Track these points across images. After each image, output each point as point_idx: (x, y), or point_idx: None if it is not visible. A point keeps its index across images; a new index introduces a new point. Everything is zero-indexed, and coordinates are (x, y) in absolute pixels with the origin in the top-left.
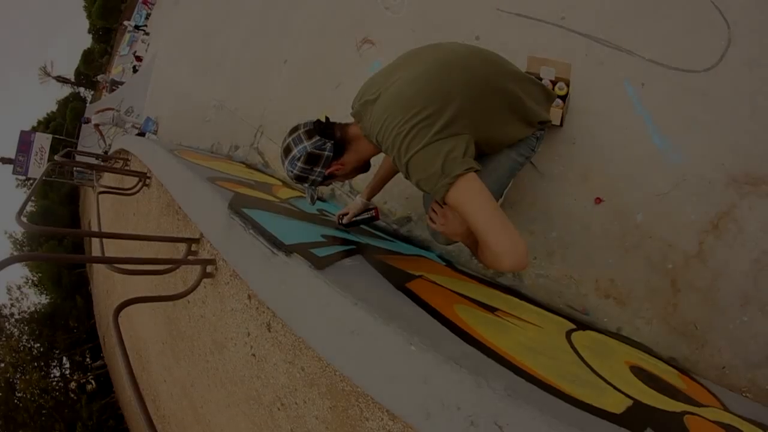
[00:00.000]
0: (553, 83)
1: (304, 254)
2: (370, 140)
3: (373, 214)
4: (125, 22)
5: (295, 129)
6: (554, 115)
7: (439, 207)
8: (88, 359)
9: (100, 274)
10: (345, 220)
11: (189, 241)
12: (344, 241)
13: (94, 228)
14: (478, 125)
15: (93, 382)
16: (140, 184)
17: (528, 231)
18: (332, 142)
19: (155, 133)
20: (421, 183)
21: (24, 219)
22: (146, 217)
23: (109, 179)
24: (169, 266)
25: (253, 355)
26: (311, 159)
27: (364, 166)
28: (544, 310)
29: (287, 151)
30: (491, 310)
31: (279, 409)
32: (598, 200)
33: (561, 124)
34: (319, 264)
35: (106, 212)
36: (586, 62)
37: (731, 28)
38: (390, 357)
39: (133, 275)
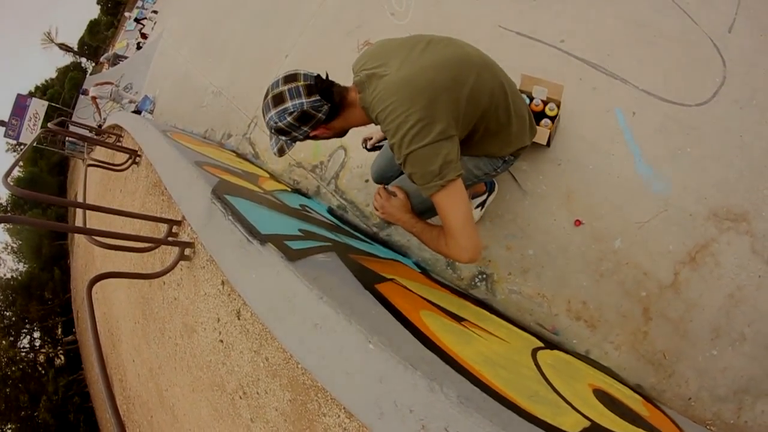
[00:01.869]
0: (545, 103)
1: (278, 245)
2: (366, 113)
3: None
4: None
5: (293, 78)
6: (542, 134)
7: (384, 193)
8: (59, 333)
9: (80, 248)
10: (369, 145)
11: (171, 222)
12: (321, 238)
13: (80, 200)
14: (466, 130)
15: (62, 356)
16: (130, 161)
17: (505, 246)
18: (330, 105)
19: (151, 112)
20: (415, 176)
21: (10, 183)
22: (132, 195)
23: (100, 153)
24: (149, 245)
25: (221, 341)
26: (303, 117)
27: (343, 132)
28: (513, 326)
29: (279, 100)
30: (458, 319)
31: (241, 398)
32: (578, 223)
33: (548, 144)
34: (291, 256)
35: (94, 185)
36: (579, 86)
37: (727, 66)
38: (349, 353)
39: (112, 250)
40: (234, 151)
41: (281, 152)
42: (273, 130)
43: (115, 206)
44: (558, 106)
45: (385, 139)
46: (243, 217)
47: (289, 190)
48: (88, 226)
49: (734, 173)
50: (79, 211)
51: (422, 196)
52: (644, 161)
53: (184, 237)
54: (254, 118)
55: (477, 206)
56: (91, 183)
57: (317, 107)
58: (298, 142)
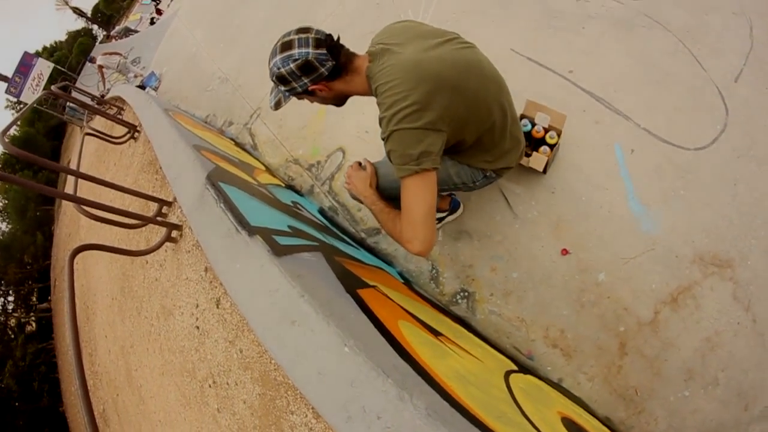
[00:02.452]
0: (546, 131)
1: (265, 238)
2: (368, 82)
3: None
4: None
5: (306, 30)
6: (539, 161)
7: (356, 164)
8: (34, 299)
9: (66, 216)
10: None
11: (162, 202)
12: (309, 237)
13: (73, 167)
14: (456, 133)
15: (34, 323)
16: (128, 136)
17: (490, 267)
18: (334, 63)
19: (156, 89)
20: (392, 154)
21: (6, 140)
22: (126, 169)
23: (99, 123)
24: (137, 222)
25: (197, 327)
26: (306, 67)
27: (342, 101)
28: (489, 347)
29: (287, 46)
30: (435, 333)
31: (210, 386)
32: (565, 252)
33: (544, 172)
34: (278, 251)
35: (89, 155)
36: (582, 118)
37: (729, 115)
38: (324, 354)
39: (99, 222)
40: (233, 140)
41: (278, 105)
42: (275, 78)
43: (107, 178)
44: (558, 135)
45: None
46: (234, 206)
47: (283, 185)
48: (78, 195)
49: (724, 220)
50: (70, 179)
51: (393, 183)
52: (637, 199)
53: (173, 219)
54: (257, 110)
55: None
56: (86, 152)
57: (322, 60)
58: (296, 99)
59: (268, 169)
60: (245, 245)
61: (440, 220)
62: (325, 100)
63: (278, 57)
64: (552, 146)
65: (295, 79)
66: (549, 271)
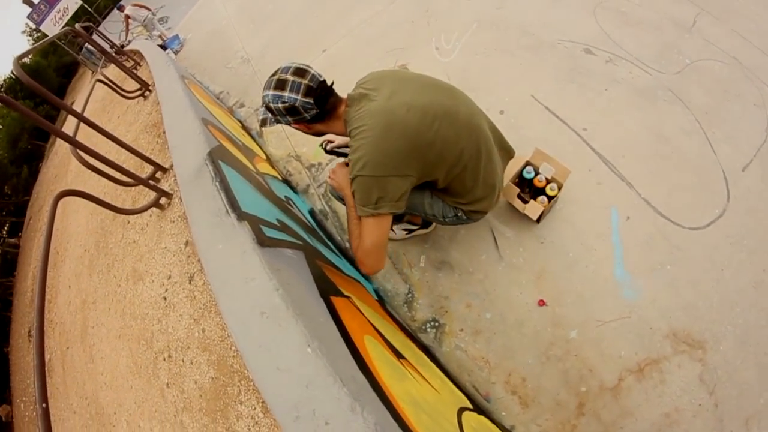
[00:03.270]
0: (548, 181)
1: (253, 226)
2: (345, 125)
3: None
4: None
5: (302, 74)
6: (534, 210)
7: (342, 165)
8: (4, 232)
9: (57, 157)
10: (329, 147)
11: (158, 167)
12: (295, 234)
13: (78, 110)
14: (426, 175)
15: None
16: (139, 93)
17: (466, 303)
18: (318, 112)
19: (176, 53)
20: (355, 195)
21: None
22: (129, 126)
23: (112, 73)
24: (129, 180)
25: (165, 298)
26: (292, 110)
27: (321, 135)
28: (448, 380)
29: (281, 86)
30: (398, 356)
31: (164, 360)
32: (542, 302)
33: (538, 221)
34: (262, 241)
35: (95, 102)
36: (586, 176)
37: (730, 201)
38: (286, 350)
39: (90, 170)
40: (241, 122)
41: (263, 124)
42: (264, 106)
43: (108, 130)
44: (559, 188)
45: (345, 146)
46: (229, 187)
47: (280, 178)
48: (76, 138)
49: (705, 302)
50: (70, 120)
51: None
52: (623, 266)
53: (164, 186)
54: None
55: (405, 229)
56: (93, 98)
57: (307, 108)
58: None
59: (269, 159)
60: (232, 228)
61: (410, 231)
62: (305, 133)
63: (271, 92)
64: (551, 198)
65: (281, 115)
66: (522, 319)
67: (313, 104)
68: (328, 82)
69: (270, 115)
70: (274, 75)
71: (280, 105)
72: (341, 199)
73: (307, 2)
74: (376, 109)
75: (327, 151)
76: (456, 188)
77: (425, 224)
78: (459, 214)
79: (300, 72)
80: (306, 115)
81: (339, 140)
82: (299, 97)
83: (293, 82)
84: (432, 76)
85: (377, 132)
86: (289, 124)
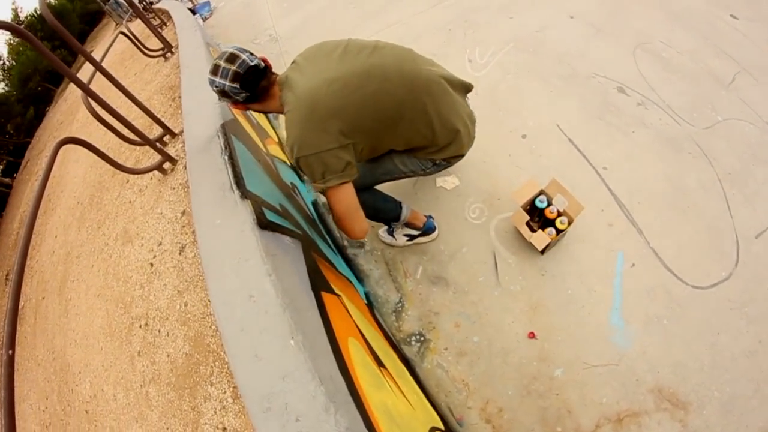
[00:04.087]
0: (559, 214)
1: (255, 206)
2: (283, 109)
3: None
4: None
5: (233, 60)
6: (541, 240)
7: None
8: None
9: (65, 103)
10: None
11: (167, 130)
12: (295, 223)
13: (96, 59)
14: (373, 137)
15: None
16: (161, 53)
17: (455, 323)
18: (247, 95)
19: (205, 20)
20: (305, 176)
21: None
22: (144, 84)
23: (136, 28)
24: (135, 138)
25: (152, 264)
26: (223, 94)
27: (266, 113)
28: (424, 397)
29: (214, 71)
30: (379, 364)
31: (140, 327)
32: (532, 335)
33: (542, 252)
34: (262, 223)
35: (113, 54)
36: (598, 215)
37: (738, 266)
38: (268, 338)
39: (99, 121)
40: None
41: (220, 99)
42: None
43: (123, 84)
44: (569, 223)
45: None
46: (237, 163)
47: (288, 164)
48: (90, 86)
49: (695, 364)
50: (85, 70)
51: (368, 171)
52: (620, 312)
53: (170, 151)
54: None
55: (406, 235)
56: (114, 49)
57: (235, 92)
58: None
59: (281, 143)
60: (233, 205)
61: (412, 237)
62: (253, 111)
63: (208, 75)
64: (559, 231)
65: (220, 96)
66: (510, 348)
67: (239, 89)
68: (263, 65)
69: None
70: (214, 59)
71: (214, 88)
72: None
73: None
74: (300, 93)
75: None
76: (417, 142)
77: (426, 231)
78: (437, 162)
79: (232, 58)
80: (237, 98)
81: None
82: (227, 83)
83: (224, 68)
84: (358, 39)
85: (303, 114)
86: (232, 104)
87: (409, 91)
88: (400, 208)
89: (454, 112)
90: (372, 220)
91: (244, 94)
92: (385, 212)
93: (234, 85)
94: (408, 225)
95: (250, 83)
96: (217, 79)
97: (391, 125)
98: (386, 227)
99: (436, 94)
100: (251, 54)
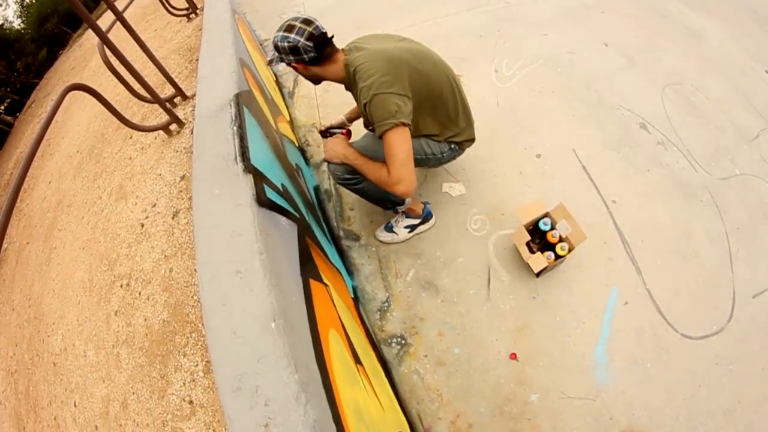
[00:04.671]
0: (560, 239)
1: (256, 182)
2: (346, 69)
3: (344, 132)
4: None
5: (309, 23)
6: (538, 263)
7: (333, 140)
8: (2, 108)
9: (80, 49)
10: (323, 128)
11: (180, 92)
12: (294, 205)
13: (119, 8)
14: (418, 105)
15: None
16: (186, 13)
17: (438, 331)
18: (315, 55)
19: None
20: (374, 116)
21: None
22: (163, 42)
23: None
24: (146, 95)
25: (142, 225)
26: (294, 50)
27: (315, 81)
28: (396, 401)
29: (289, 29)
30: (356, 360)
31: (121, 287)
32: (514, 356)
33: (537, 275)
34: (262, 201)
35: (137, 7)
36: (599, 247)
37: (731, 323)
38: (249, 317)
39: (112, 72)
40: (276, 76)
41: (269, 63)
42: (273, 44)
43: (142, 39)
44: (570, 250)
45: (338, 126)
46: (245, 136)
47: (296, 145)
48: (108, 36)
49: (672, 412)
50: (105, 18)
51: (371, 153)
52: (605, 348)
53: (179, 113)
54: None
55: (407, 227)
56: (136, 3)
57: (306, 50)
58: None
59: (292, 123)
60: (234, 177)
61: (413, 228)
62: (303, 75)
63: (281, 33)
64: (558, 256)
65: (285, 54)
66: (489, 366)
67: (312, 48)
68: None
69: (276, 54)
70: (286, 20)
71: (285, 44)
72: (343, 182)
73: None
74: (375, 51)
75: (321, 133)
76: (445, 122)
77: (425, 218)
78: (452, 146)
79: (307, 21)
80: (305, 56)
81: (332, 122)
82: (302, 40)
83: (300, 28)
84: (391, 35)
85: (382, 64)
86: (290, 64)
87: (446, 76)
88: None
89: (468, 107)
90: (378, 204)
91: (312, 54)
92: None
93: (308, 43)
94: (408, 214)
95: (320, 46)
96: (293, 36)
97: (432, 101)
98: (384, 226)
99: (459, 84)
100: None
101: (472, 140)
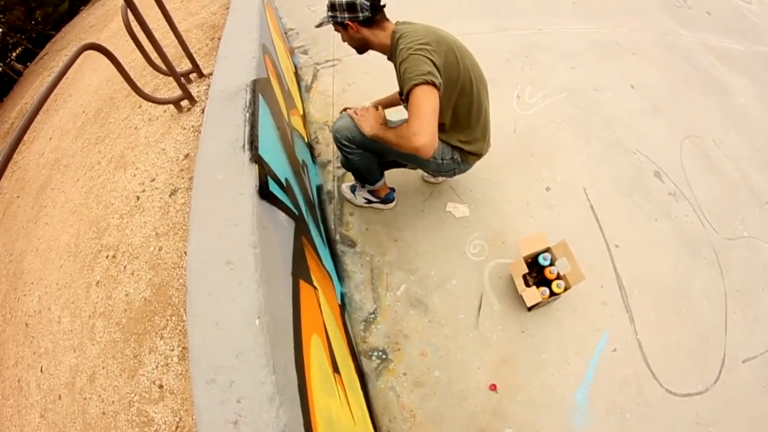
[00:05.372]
0: (558, 276)
1: (261, 173)
2: (392, 37)
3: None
4: None
5: None
6: (532, 297)
7: (369, 110)
8: (14, 54)
9: (102, 8)
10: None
11: (197, 68)
12: (294, 202)
13: None
14: (446, 91)
15: None
16: None
17: (422, 351)
18: (369, 15)
19: None
20: (406, 72)
21: None
22: (188, 15)
23: None
24: (162, 66)
25: (138, 197)
26: (351, 6)
27: (361, 48)
28: (368, 416)
29: None
30: (335, 369)
31: (107, 258)
32: (493, 387)
33: (529, 309)
34: (264, 193)
35: None
36: (595, 290)
37: (716, 384)
38: (234, 310)
39: (131, 37)
40: (296, 67)
41: (319, 25)
42: (329, 2)
43: (167, 8)
44: (566, 289)
45: None
46: (256, 124)
47: (305, 141)
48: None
49: None
50: None
51: None
52: (587, 392)
53: (193, 90)
54: (336, 60)
55: (365, 198)
56: None
57: (363, 8)
58: None
59: (305, 117)
60: (240, 165)
61: (370, 202)
62: (351, 39)
63: None
64: (553, 294)
65: (341, 10)
66: (467, 393)
67: (368, 7)
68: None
69: (329, 13)
70: None
71: (344, 0)
72: (341, 145)
73: None
74: (422, 26)
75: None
76: (461, 121)
77: (384, 201)
78: (455, 157)
79: None
80: (360, 14)
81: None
82: None
83: None
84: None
85: (426, 33)
86: (343, 23)
87: (478, 77)
88: (381, 180)
89: (489, 121)
90: (355, 176)
91: (367, 14)
92: (370, 175)
93: (365, 2)
94: (371, 192)
95: (374, 8)
96: None
97: (458, 90)
98: (351, 184)
99: (487, 101)
100: None
101: (479, 155)
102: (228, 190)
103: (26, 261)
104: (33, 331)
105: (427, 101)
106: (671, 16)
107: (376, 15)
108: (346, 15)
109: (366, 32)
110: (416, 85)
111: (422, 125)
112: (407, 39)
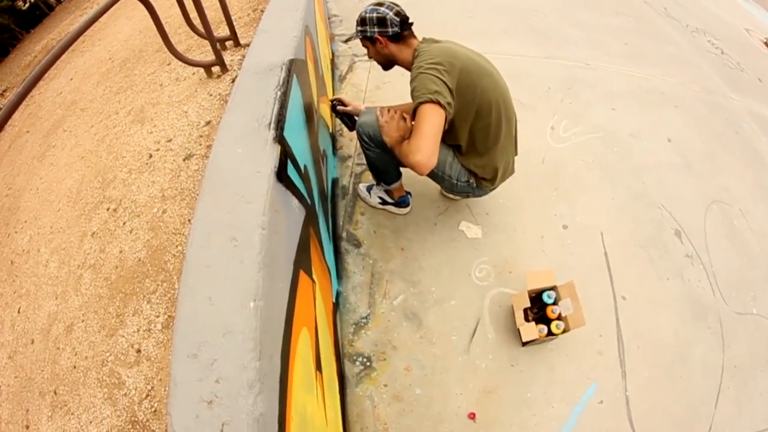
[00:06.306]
0: (559, 317)
1: (282, 155)
2: (413, 54)
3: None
4: None
5: (396, 4)
6: (529, 333)
7: (399, 117)
8: None
9: None
10: (339, 107)
11: (236, 37)
12: (309, 191)
13: None
14: (459, 110)
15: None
16: None
17: (407, 365)
18: (398, 31)
19: None
20: (415, 89)
21: None
22: None
23: None
24: (200, 29)
25: (151, 155)
26: (381, 21)
27: (387, 64)
28: (341, 420)
29: (379, 3)
30: (318, 367)
31: (107, 210)
32: (472, 416)
33: (523, 344)
34: (281, 176)
35: None
36: (593, 338)
37: None
38: (229, 289)
39: None
40: (333, 55)
41: (347, 40)
42: (359, 17)
43: None
44: (564, 331)
45: (354, 114)
46: (286, 105)
47: (330, 130)
48: None
49: None
50: None
51: None
52: None
53: (226, 57)
54: None
55: (380, 198)
56: None
57: (392, 23)
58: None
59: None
60: (262, 143)
61: (384, 203)
62: (378, 55)
63: (371, 6)
64: (551, 333)
65: (371, 24)
66: (445, 417)
67: (398, 24)
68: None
69: (359, 28)
70: None
71: (374, 15)
72: (362, 141)
73: (468, 4)
74: (441, 45)
75: (335, 111)
76: (478, 145)
77: (398, 204)
78: (470, 181)
79: (395, 2)
80: (389, 29)
81: (352, 106)
82: (390, 13)
83: (389, 3)
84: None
85: (440, 53)
86: (372, 37)
87: (500, 101)
88: (397, 181)
89: (510, 148)
90: (372, 173)
91: (396, 29)
92: (386, 175)
93: (396, 18)
94: (387, 191)
95: (403, 24)
96: (383, 8)
97: (476, 116)
98: (368, 184)
99: (510, 127)
100: None
101: (493, 182)
102: (246, 166)
103: (24, 198)
104: (18, 270)
105: (430, 120)
106: (722, 76)
107: (404, 31)
108: (376, 30)
109: (393, 48)
110: (422, 103)
111: (420, 143)
112: (422, 58)
